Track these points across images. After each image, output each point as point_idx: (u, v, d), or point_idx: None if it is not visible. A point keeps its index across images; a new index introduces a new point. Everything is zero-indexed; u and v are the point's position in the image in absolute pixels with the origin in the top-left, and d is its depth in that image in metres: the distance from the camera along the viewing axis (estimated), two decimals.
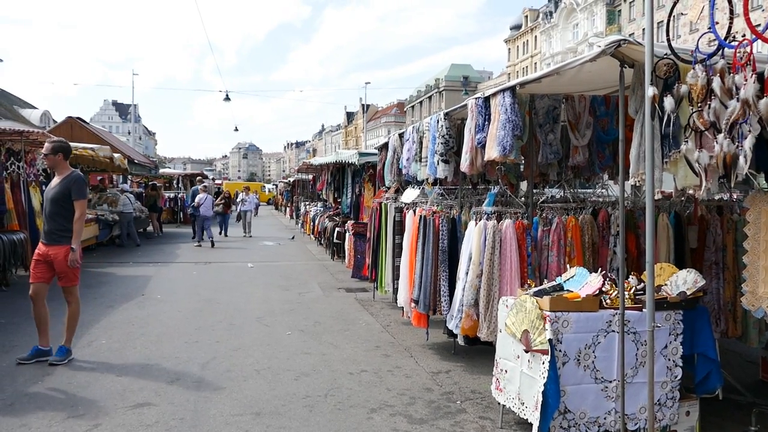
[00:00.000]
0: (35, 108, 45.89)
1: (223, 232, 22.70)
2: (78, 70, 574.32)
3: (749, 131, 3.34)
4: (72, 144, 14.03)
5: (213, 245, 19.25)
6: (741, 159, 3.38)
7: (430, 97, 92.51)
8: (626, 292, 4.49)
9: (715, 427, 4.93)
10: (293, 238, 22.53)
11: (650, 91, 3.76)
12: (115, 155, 15.92)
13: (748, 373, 6.27)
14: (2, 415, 5.04)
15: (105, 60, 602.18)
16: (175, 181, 33.28)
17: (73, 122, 21.67)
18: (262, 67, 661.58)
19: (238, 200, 26.28)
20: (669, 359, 4.57)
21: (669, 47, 3.79)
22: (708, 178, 3.58)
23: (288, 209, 38.38)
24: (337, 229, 15.30)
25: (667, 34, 3.93)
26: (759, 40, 3.39)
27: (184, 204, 26.62)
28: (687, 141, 3.73)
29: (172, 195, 30.30)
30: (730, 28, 3.55)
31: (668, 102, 3.72)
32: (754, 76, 3.36)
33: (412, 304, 7.11)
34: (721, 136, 3.47)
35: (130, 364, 6.49)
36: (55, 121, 35.11)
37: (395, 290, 8.22)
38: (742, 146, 3.40)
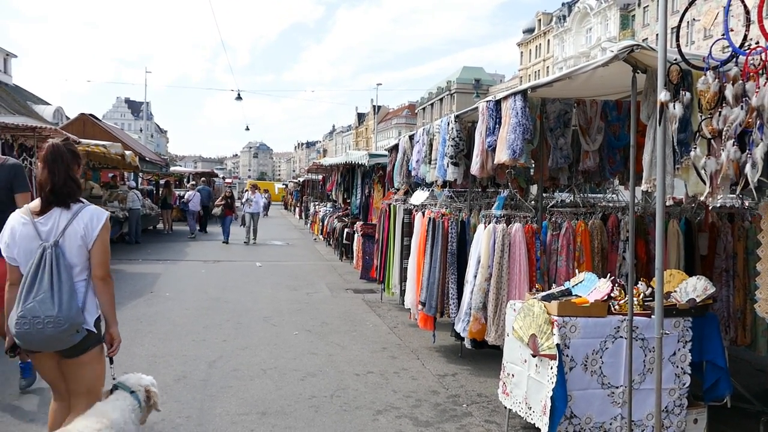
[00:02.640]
0: (49, 104, 46.18)
1: (224, 237, 20.03)
2: (92, 67, 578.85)
3: (761, 139, 3.31)
4: (84, 140, 14.16)
5: (193, 237, 20.89)
6: (748, 166, 3.35)
7: (441, 100, 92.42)
8: (635, 299, 4.46)
9: None
10: (315, 240, 22.24)
11: (662, 95, 3.74)
12: (127, 152, 15.98)
13: (757, 382, 6.22)
14: (10, 411, 5.07)
15: (119, 57, 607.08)
16: (185, 179, 33.41)
17: (85, 119, 21.78)
18: (274, 66, 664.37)
19: (243, 200, 21.87)
20: (677, 366, 4.54)
21: (679, 53, 3.77)
22: (717, 185, 3.55)
23: (297, 209, 38.46)
24: (345, 229, 15.32)
25: (677, 40, 3.90)
26: None
27: None
28: (696, 148, 3.71)
29: (182, 193, 30.42)
30: (745, 36, 3.52)
31: (677, 108, 3.70)
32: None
33: (420, 306, 7.11)
34: (729, 144, 3.45)
35: (138, 360, 6.52)
36: (68, 118, 35.31)
37: (403, 292, 8.22)
38: (751, 154, 3.37)
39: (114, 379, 3.70)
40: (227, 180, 56.47)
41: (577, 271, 5.44)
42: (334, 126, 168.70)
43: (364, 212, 14.41)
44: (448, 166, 6.68)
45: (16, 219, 3.45)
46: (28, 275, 3.31)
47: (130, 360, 6.55)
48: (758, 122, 3.35)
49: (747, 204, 6.19)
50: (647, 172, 4.13)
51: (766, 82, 3.34)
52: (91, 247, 3.44)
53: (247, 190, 21.54)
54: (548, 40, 71.40)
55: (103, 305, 3.56)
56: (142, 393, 3.70)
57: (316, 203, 24.55)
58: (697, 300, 4.56)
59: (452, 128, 6.65)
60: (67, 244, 3.39)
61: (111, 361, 3.71)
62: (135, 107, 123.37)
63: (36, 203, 3.48)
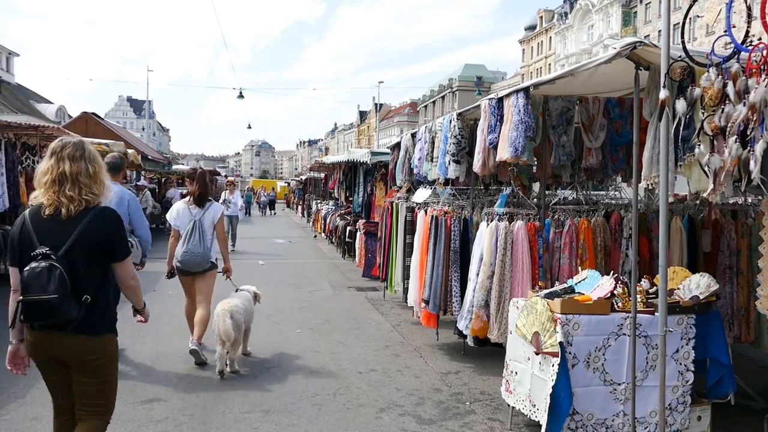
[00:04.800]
0: (51, 103, 46.21)
1: None
2: (94, 66, 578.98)
3: (761, 136, 3.31)
4: (86, 139, 14.17)
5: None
6: (752, 163, 3.35)
7: (443, 97, 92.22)
8: (638, 296, 4.46)
9: None
10: (315, 236, 22.26)
11: (662, 93, 3.74)
12: (129, 151, 15.99)
13: (761, 379, 6.22)
14: (14, 408, 5.08)
15: (121, 55, 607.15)
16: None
17: (87, 118, 21.83)
18: (275, 64, 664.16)
19: (220, 201, 17.71)
20: (680, 363, 4.54)
21: (684, 50, 3.76)
22: (721, 182, 3.55)
23: (300, 207, 38.46)
24: (348, 227, 15.32)
25: (682, 37, 3.89)
26: None
27: None
28: (699, 145, 3.70)
29: (184, 191, 30.40)
30: (747, 31, 3.51)
31: (680, 105, 3.69)
32: (767, 80, 3.32)
33: (423, 304, 7.10)
34: (731, 141, 3.44)
35: (141, 359, 6.53)
36: (70, 116, 35.37)
37: (405, 290, 8.22)
38: (753, 150, 3.36)
39: (234, 286, 7.04)
40: (229, 178, 56.43)
41: (579, 268, 5.44)
42: (336, 124, 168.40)
43: (366, 210, 14.41)
44: (450, 164, 6.68)
45: (181, 205, 6.66)
46: (187, 232, 6.40)
47: (133, 357, 6.57)
48: (755, 118, 3.34)
49: (750, 201, 6.19)
50: (647, 168, 4.13)
51: (765, 79, 3.33)
52: (216, 225, 6.61)
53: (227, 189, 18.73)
54: (550, 38, 71.26)
55: (222, 252, 6.75)
56: (251, 293, 7.10)
57: (319, 201, 24.55)
58: (701, 297, 4.55)
59: (454, 126, 6.65)
60: (204, 221, 6.47)
61: (230, 279, 6.91)
62: (137, 106, 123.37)
63: (188, 199, 6.64)
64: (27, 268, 3.04)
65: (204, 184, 6.62)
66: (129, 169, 21.81)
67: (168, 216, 6.71)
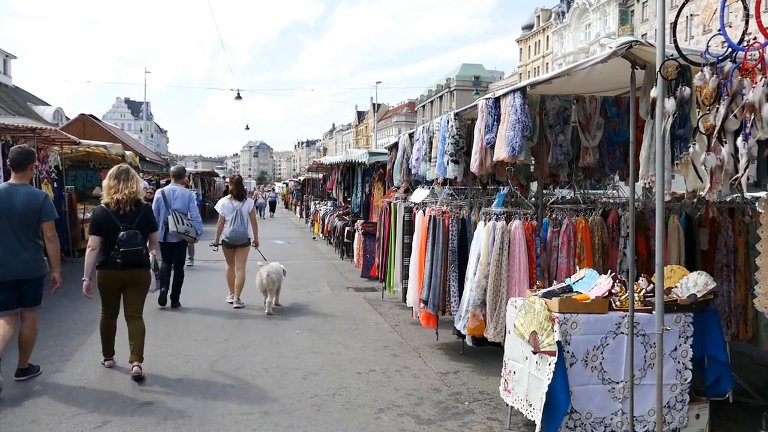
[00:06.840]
0: (48, 105, 46.15)
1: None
2: (91, 67, 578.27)
3: (756, 135, 3.32)
4: (84, 141, 14.15)
5: None
6: (742, 162, 3.35)
7: (441, 97, 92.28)
8: (636, 294, 4.46)
9: (725, 430, 4.90)
10: (314, 238, 22.22)
11: (653, 91, 3.75)
12: (127, 153, 15.96)
13: (759, 376, 6.23)
14: (13, 411, 5.08)
15: (119, 57, 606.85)
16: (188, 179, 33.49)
17: (85, 119, 21.77)
18: (273, 65, 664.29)
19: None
20: (678, 362, 4.54)
21: (676, 49, 3.76)
22: (718, 180, 3.55)
23: (298, 208, 38.44)
24: (346, 228, 15.31)
25: (674, 35, 3.89)
26: None
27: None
28: (695, 144, 3.70)
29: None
30: (744, 31, 3.51)
31: (669, 104, 3.70)
32: (764, 80, 3.32)
33: (421, 304, 7.10)
34: (730, 139, 3.45)
35: None
36: (68, 118, 35.27)
37: (404, 290, 8.22)
38: (747, 149, 3.37)
39: (265, 260, 9.80)
40: (227, 179, 56.40)
41: (577, 267, 5.44)
42: (334, 124, 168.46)
43: (364, 211, 14.41)
44: (448, 164, 6.68)
45: (225, 200, 9.64)
46: (232, 218, 9.38)
47: None
48: (751, 117, 3.35)
49: (748, 198, 6.19)
50: (644, 167, 4.13)
51: (762, 78, 3.33)
52: (250, 213, 9.64)
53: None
54: (547, 37, 71.26)
55: (254, 230, 9.72)
56: (281, 267, 9.72)
57: (317, 202, 24.53)
58: (698, 295, 4.56)
59: (452, 126, 6.65)
60: (243, 210, 9.47)
61: (258, 250, 9.94)
62: (135, 107, 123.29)
63: (230, 196, 9.63)
64: (121, 233, 5.74)
65: (240, 186, 9.76)
66: None
67: (216, 206, 9.96)
